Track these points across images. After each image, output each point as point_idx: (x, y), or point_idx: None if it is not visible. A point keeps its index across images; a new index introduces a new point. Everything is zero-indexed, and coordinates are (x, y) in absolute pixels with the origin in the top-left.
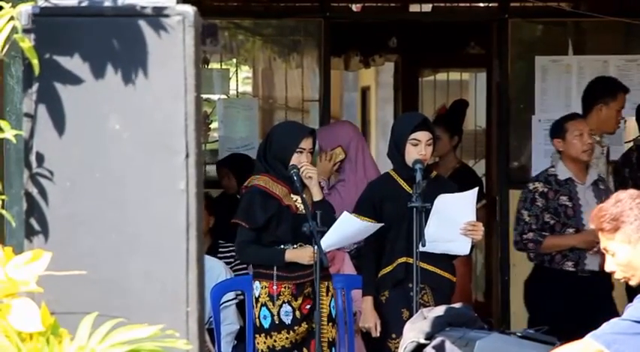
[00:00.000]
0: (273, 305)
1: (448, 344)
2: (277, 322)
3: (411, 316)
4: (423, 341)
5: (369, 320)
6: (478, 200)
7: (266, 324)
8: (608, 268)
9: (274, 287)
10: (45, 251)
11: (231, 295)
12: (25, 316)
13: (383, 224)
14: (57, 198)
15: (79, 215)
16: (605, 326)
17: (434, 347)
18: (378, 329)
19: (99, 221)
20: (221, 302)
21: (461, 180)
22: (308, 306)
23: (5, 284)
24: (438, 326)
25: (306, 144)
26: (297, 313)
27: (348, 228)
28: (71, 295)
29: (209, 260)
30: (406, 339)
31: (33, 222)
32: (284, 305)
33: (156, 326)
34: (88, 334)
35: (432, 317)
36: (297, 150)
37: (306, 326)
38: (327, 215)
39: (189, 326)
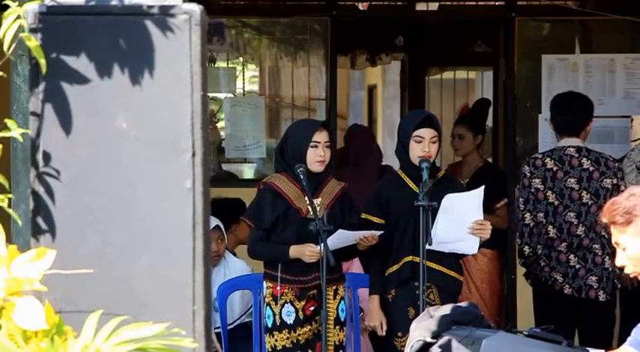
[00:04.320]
0: (276, 305)
1: (454, 343)
2: (279, 322)
3: (417, 314)
4: (429, 339)
5: (375, 319)
6: (500, 198)
7: (269, 324)
8: (618, 262)
9: (278, 288)
10: (51, 249)
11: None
12: (30, 314)
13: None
14: (63, 196)
15: (86, 213)
16: (638, 332)
17: (440, 346)
18: (384, 327)
19: (105, 219)
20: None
21: (485, 179)
22: (312, 308)
23: (9, 282)
24: (445, 324)
25: (320, 137)
26: (300, 314)
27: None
28: (78, 293)
29: (234, 261)
30: (412, 338)
31: (40, 220)
32: (286, 305)
33: (162, 324)
34: (93, 332)
35: (439, 315)
36: (311, 144)
37: (309, 327)
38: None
39: (196, 325)
